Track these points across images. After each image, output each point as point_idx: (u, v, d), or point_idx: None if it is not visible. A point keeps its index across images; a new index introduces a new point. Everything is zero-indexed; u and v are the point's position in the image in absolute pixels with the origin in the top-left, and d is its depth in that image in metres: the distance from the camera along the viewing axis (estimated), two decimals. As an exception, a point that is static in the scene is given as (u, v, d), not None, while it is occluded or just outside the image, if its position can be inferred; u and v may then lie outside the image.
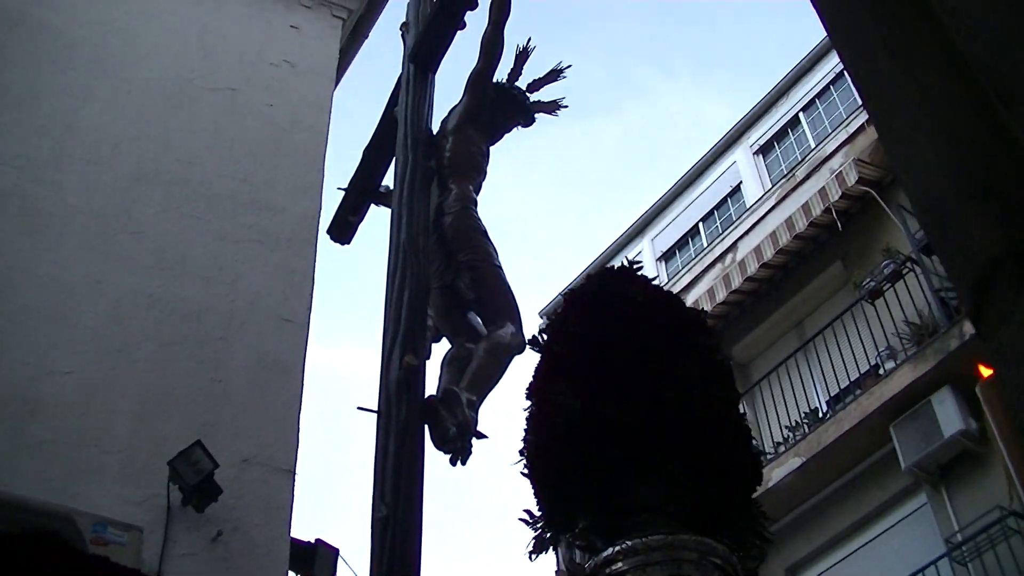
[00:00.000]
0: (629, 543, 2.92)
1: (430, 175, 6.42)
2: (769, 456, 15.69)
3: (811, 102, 19.17)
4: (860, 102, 16.93)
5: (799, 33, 47.17)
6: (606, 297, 3.27)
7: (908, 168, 2.22)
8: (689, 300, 18.09)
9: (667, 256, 21.05)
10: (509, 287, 6.10)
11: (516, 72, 7.07)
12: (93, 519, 6.72)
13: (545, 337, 3.49)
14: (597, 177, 49.99)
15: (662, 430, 2.92)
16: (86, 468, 7.21)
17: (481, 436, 5.45)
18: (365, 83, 46.52)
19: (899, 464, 13.40)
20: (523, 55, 7.11)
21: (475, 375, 5.58)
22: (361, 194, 7.65)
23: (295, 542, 8.15)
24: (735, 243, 18.35)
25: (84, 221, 8.41)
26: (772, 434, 15.96)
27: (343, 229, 7.88)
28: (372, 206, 7.80)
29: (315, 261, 9.25)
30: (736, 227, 18.76)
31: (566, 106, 7.19)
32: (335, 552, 8.41)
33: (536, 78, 7.23)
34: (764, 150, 19.81)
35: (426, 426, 5.34)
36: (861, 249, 16.00)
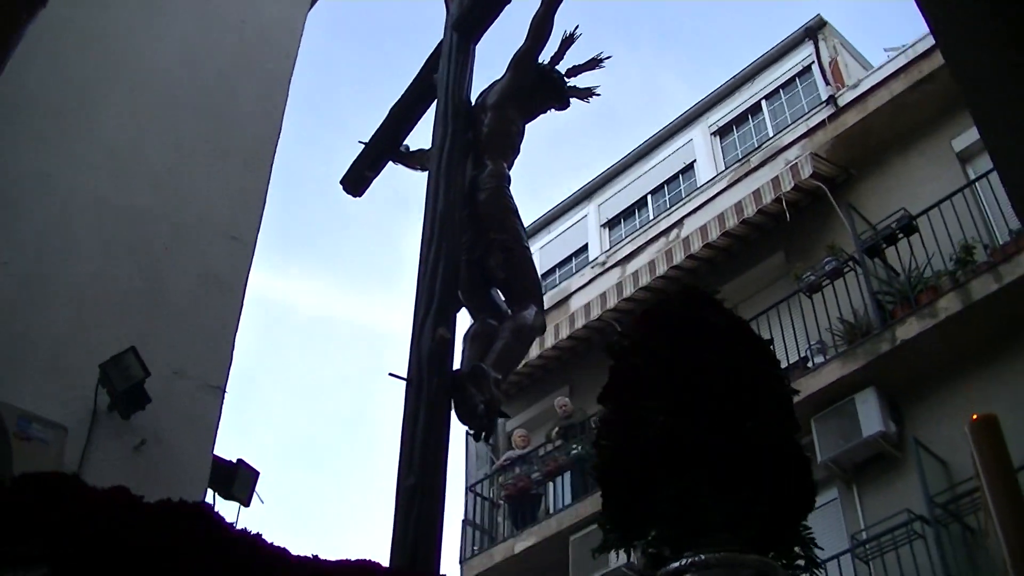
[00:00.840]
0: (702, 557, 3.11)
1: (467, 148, 6.44)
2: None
3: (775, 91, 19.24)
4: (824, 97, 17.05)
5: (764, 23, 47.19)
6: (691, 321, 3.46)
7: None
8: (628, 271, 18.20)
9: (612, 224, 21.09)
10: (536, 270, 6.28)
11: (559, 56, 7.09)
12: (18, 413, 6.65)
13: (624, 348, 3.64)
14: (547, 136, 49.88)
15: (741, 455, 3.16)
16: (16, 362, 7.12)
17: (504, 415, 5.61)
18: (341, 11, 46.13)
19: (816, 457, 13.56)
20: (569, 41, 7.11)
21: (501, 354, 5.68)
22: (382, 151, 7.61)
23: (217, 460, 8.12)
24: (681, 220, 18.41)
25: (39, 114, 8.28)
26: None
27: (358, 182, 7.81)
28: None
29: (268, 182, 9.18)
30: (684, 204, 18.81)
31: (599, 94, 7.27)
32: (255, 474, 8.40)
33: (577, 64, 7.25)
34: (722, 132, 19.87)
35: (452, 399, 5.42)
36: (805, 243, 16.13)
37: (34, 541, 2.02)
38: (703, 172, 19.42)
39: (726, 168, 18.83)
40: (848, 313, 14.34)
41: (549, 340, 18.49)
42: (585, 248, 21.18)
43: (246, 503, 8.49)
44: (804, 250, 16.02)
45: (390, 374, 5.35)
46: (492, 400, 5.43)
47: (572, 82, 7.21)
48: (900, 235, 14.16)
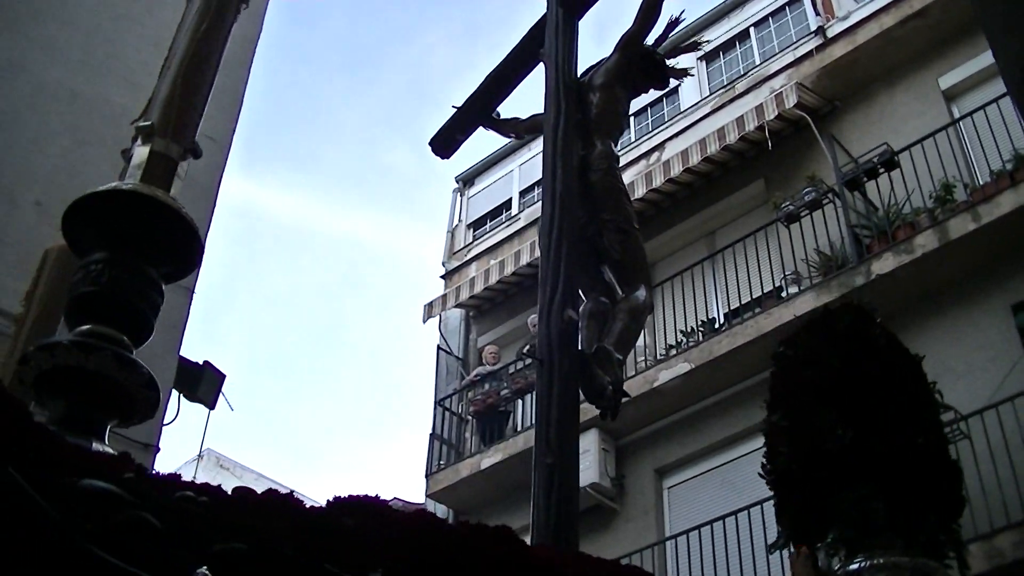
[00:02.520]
0: (880, 560, 3.40)
1: (579, 126, 6.53)
2: (660, 358, 15.89)
3: (764, 19, 19.06)
4: (813, 28, 16.93)
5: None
6: (856, 336, 3.76)
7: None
8: (608, 192, 18.09)
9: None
10: (644, 251, 6.47)
11: (662, 38, 7.21)
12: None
13: (790, 357, 3.96)
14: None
15: (910, 465, 3.46)
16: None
17: (627, 395, 5.74)
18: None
19: (783, 387, 13.62)
20: (673, 24, 7.23)
21: (621, 335, 5.86)
22: (475, 116, 7.70)
23: (183, 361, 8.10)
24: (663, 143, 18.33)
25: (14, 1, 8.12)
26: (666, 336, 16.12)
27: (448, 144, 7.87)
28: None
29: (246, 83, 9.05)
30: (667, 127, 18.72)
31: (692, 74, 7.67)
32: (222, 377, 8.39)
33: (676, 46, 7.58)
34: (708, 57, 19.67)
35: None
36: (786, 173, 16.08)
37: (369, 564, 2.07)
38: (687, 96, 19.26)
39: (711, 94, 18.70)
40: (825, 245, 14.32)
41: (524, 257, 18.47)
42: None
43: (211, 405, 8.49)
44: (784, 180, 15.96)
45: (523, 352, 5.51)
46: (618, 381, 5.63)
47: (670, 62, 7.34)
48: (881, 170, 14.12)
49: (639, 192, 17.23)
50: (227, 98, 8.85)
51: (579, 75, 6.91)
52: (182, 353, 8.09)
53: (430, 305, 19.45)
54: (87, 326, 2.02)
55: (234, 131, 8.78)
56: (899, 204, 13.84)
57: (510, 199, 21.31)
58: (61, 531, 1.72)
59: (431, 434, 17.93)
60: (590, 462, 15.50)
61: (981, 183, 13.44)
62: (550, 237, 5.87)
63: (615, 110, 6.75)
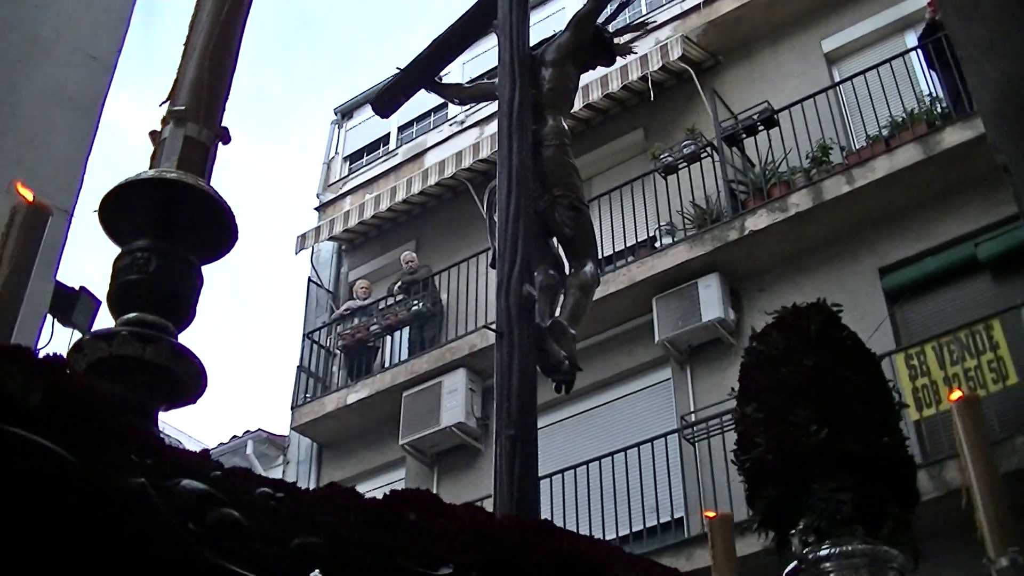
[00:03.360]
0: (848, 548, 3.72)
1: (532, 103, 6.70)
2: (531, 301, 15.94)
3: (652, -32, 19.11)
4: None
5: None
6: (828, 337, 4.06)
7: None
8: (487, 133, 18.07)
9: (478, 81, 20.83)
10: (594, 228, 6.67)
11: (613, 17, 7.40)
12: None
13: (763, 353, 4.19)
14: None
15: (877, 463, 3.80)
16: None
17: (579, 369, 5.93)
18: None
19: (653, 336, 13.80)
20: (625, 3, 7.56)
21: (574, 310, 6.07)
22: (418, 79, 7.78)
23: (59, 286, 7.93)
24: (546, 88, 18.28)
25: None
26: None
27: (389, 105, 8.04)
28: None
29: (133, 5, 8.81)
30: (551, 72, 18.66)
31: (636, 52, 7.80)
32: (97, 303, 8.23)
33: (625, 25, 7.96)
34: (595, 4, 19.67)
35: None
36: (666, 124, 16.19)
37: (436, 558, 2.17)
38: (572, 42, 19.22)
39: (595, 41, 18.68)
40: (701, 198, 14.49)
41: (400, 193, 18.39)
42: (445, 105, 20.92)
43: (86, 331, 8.33)
44: (664, 131, 16.08)
45: (485, 326, 5.66)
46: (573, 355, 5.83)
47: (617, 40, 7.52)
48: (760, 127, 14.31)
49: (519, 135, 17.22)
50: (115, 18, 8.62)
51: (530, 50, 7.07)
52: (58, 278, 7.91)
53: (303, 236, 19.25)
54: (134, 314, 2.03)
55: (119, 52, 8.54)
56: (776, 162, 14.06)
57: (388, 134, 21.13)
58: (184, 538, 1.79)
59: (298, 366, 17.81)
60: (457, 402, 15.58)
61: (857, 147, 13.72)
62: (507, 211, 6.02)
63: (566, 86, 6.88)
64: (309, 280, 19.69)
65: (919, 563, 3.97)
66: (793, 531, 3.81)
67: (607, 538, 12.40)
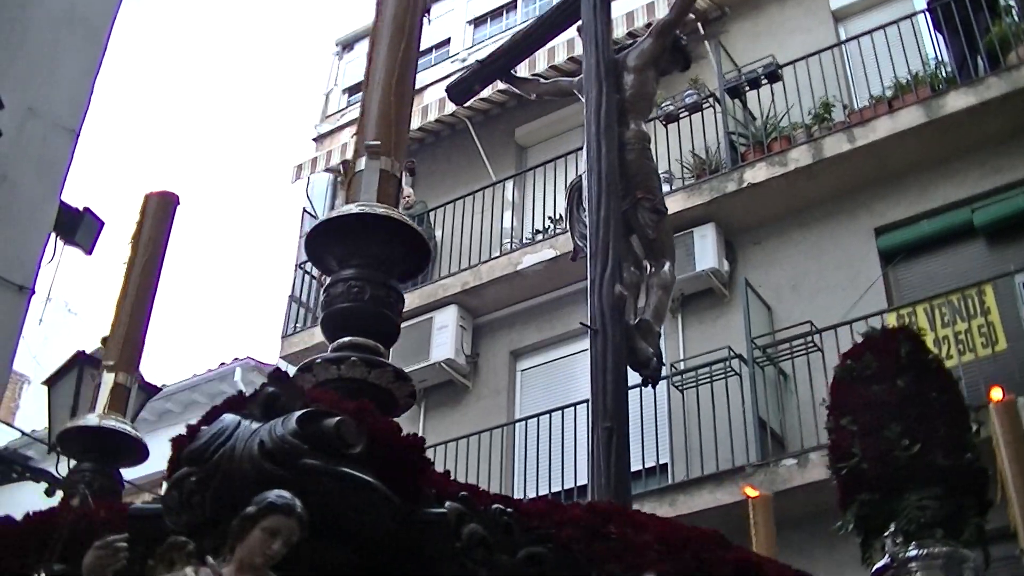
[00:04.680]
0: (935, 550, 4.09)
1: (618, 107, 7.02)
2: (526, 241, 16.04)
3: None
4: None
5: None
6: (917, 361, 4.40)
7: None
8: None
9: (478, 22, 20.77)
10: (672, 231, 7.21)
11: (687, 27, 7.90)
12: None
13: (856, 372, 4.50)
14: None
15: (960, 476, 4.17)
16: None
17: (663, 363, 6.54)
18: None
19: (646, 283, 13.88)
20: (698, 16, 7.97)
21: (656, 309, 6.60)
22: (495, 72, 8.32)
23: (64, 205, 7.98)
24: (550, 30, 18.22)
25: None
26: (535, 220, 16.27)
27: (464, 93, 8.66)
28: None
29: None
30: (556, 14, 18.60)
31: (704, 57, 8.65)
32: (101, 224, 8.28)
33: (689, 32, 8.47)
34: (603, -52, 19.59)
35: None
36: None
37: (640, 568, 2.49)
38: (578, -14, 19.15)
39: (603, -15, 18.61)
40: (701, 149, 14.53)
41: (399, 129, 18.35)
42: (448, 42, 20.86)
43: (88, 251, 8.38)
44: (667, 80, 15.96)
45: (581, 323, 6.30)
46: (658, 351, 6.40)
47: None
48: (764, 81, 14.33)
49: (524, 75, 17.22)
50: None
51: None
52: (63, 198, 7.96)
53: (299, 167, 19.22)
54: (348, 337, 2.31)
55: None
56: (778, 117, 14.10)
57: (389, 68, 21.04)
58: (457, 552, 2.16)
59: (290, 296, 17.86)
60: (446, 338, 15.67)
61: (859, 106, 13.75)
62: (598, 214, 6.43)
63: (648, 92, 7.28)
64: (304, 210, 19.68)
65: (989, 564, 4.39)
66: (886, 533, 4.19)
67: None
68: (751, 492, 5.69)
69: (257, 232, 57.51)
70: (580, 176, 7.03)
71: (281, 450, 1.91)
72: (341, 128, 20.24)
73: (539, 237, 15.80)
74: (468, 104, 17.67)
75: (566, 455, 12.96)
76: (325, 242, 2.46)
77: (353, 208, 2.38)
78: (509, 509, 2.29)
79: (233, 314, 54.98)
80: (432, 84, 19.18)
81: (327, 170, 19.53)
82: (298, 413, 1.96)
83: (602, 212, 6.41)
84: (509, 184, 17.23)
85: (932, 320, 11.35)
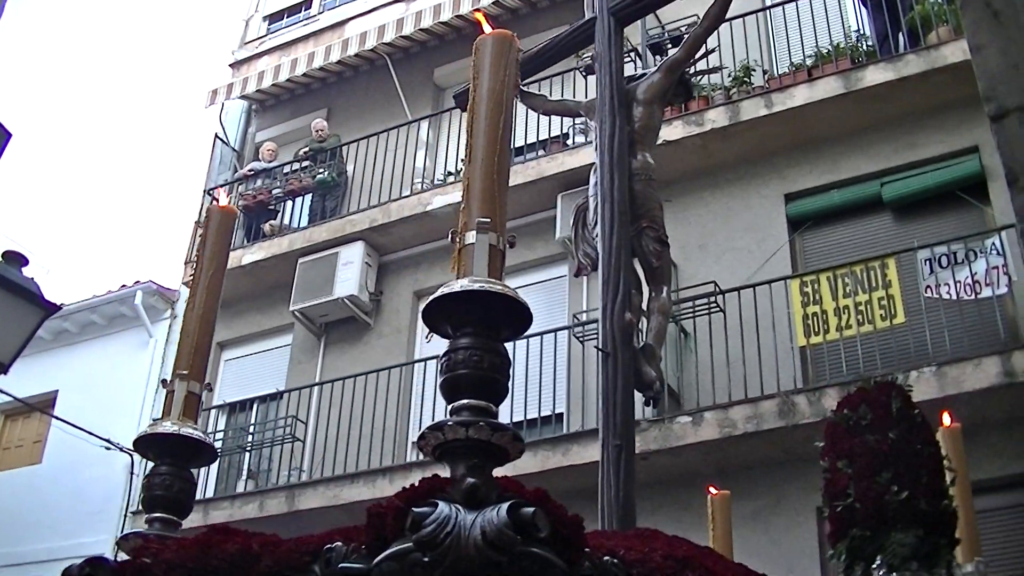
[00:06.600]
0: None
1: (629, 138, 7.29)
2: (437, 183, 15.98)
3: None
4: None
5: None
6: (906, 416, 4.92)
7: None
8: (412, 9, 17.89)
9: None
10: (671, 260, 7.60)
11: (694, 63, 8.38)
12: None
13: (852, 422, 4.96)
14: None
15: (939, 520, 4.77)
16: None
17: (663, 384, 7.00)
18: None
19: (555, 232, 13.90)
20: (706, 52, 8.40)
21: (658, 333, 6.96)
22: None
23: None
24: (476, -30, 18.12)
25: None
26: (448, 162, 16.21)
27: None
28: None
29: None
30: (483, -43, 18.48)
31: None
32: (8, 135, 8.11)
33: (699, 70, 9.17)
34: None
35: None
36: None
37: None
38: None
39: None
40: (619, 102, 14.48)
41: (318, 60, 18.20)
42: None
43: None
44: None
45: (596, 347, 6.56)
46: (660, 374, 6.74)
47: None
48: (686, 39, 14.29)
49: (445, 15, 17.13)
50: None
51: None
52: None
53: (214, 91, 18.93)
54: (466, 400, 2.71)
55: None
56: (697, 77, 14.10)
57: (312, -1, 20.80)
58: None
59: (196, 222, 17.62)
60: (352, 274, 15.60)
61: (780, 73, 13.83)
62: (610, 242, 6.67)
63: (655, 124, 7.60)
64: (216, 136, 19.40)
65: None
66: (874, 565, 4.72)
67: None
68: (712, 490, 6.11)
69: (166, 155, 56.60)
70: (586, 198, 7.25)
71: (500, 539, 2.35)
72: (259, 56, 19.96)
73: (451, 179, 15.75)
74: (388, 40, 17.65)
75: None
76: (444, 313, 2.83)
77: (470, 284, 2.76)
78: (615, 561, 2.72)
79: (136, 236, 54.17)
80: (353, 18, 18.99)
81: (243, 96, 19.28)
82: (506, 505, 2.38)
83: (614, 240, 6.67)
84: (424, 124, 17.14)
85: (834, 289, 11.49)
